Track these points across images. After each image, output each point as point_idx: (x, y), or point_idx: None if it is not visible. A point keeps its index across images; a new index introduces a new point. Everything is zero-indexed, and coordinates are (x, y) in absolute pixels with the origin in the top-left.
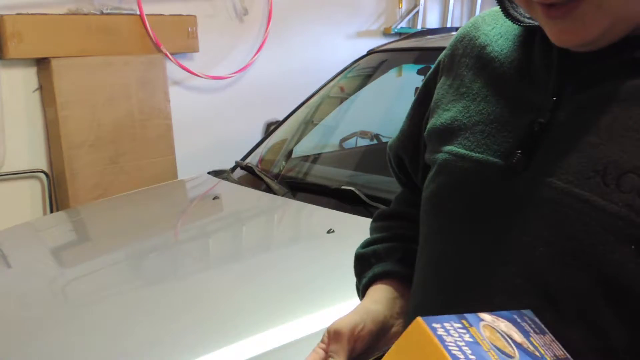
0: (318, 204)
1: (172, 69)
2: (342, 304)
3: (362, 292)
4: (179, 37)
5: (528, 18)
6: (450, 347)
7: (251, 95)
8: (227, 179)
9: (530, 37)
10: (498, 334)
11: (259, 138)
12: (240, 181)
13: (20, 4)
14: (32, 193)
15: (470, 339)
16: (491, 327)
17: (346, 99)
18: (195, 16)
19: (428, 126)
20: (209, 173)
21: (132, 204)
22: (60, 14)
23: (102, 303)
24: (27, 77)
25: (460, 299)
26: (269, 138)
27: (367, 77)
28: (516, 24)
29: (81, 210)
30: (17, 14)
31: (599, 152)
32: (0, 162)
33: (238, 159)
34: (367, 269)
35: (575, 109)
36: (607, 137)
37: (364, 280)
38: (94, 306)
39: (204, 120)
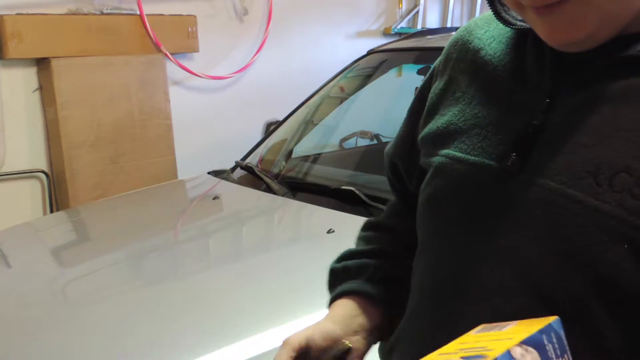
0: (318, 204)
1: (172, 69)
2: None
3: (328, 307)
4: (179, 37)
5: (520, 20)
6: None
7: (251, 95)
8: (227, 179)
9: (523, 39)
10: None
11: (259, 138)
12: (240, 181)
13: (20, 4)
14: (32, 193)
15: None
16: None
17: (346, 99)
18: (195, 16)
19: (424, 131)
20: (209, 173)
21: (132, 204)
22: (60, 14)
23: (102, 303)
24: (27, 77)
25: (457, 302)
26: (269, 138)
27: (367, 77)
28: (508, 27)
29: (81, 210)
30: (17, 14)
31: (591, 153)
32: (0, 162)
33: (238, 159)
34: (337, 284)
35: (568, 110)
36: (598, 137)
37: (331, 296)
38: (94, 306)
39: (204, 120)
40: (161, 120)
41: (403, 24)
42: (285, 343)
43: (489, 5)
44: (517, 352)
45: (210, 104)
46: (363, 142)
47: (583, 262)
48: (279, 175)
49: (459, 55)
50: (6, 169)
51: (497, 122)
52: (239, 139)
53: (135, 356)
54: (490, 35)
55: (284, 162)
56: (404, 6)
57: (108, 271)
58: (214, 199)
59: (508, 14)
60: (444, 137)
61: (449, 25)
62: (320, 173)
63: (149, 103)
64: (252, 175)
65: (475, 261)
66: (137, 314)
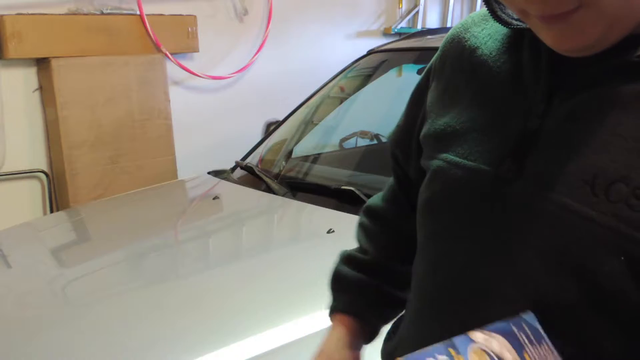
0: (318, 204)
1: (172, 69)
2: None
3: (329, 314)
4: (179, 37)
5: (516, 20)
6: None
7: (251, 95)
8: (227, 179)
9: (520, 39)
10: (487, 357)
11: (259, 138)
12: (240, 181)
13: (20, 4)
14: (32, 193)
15: None
16: (481, 349)
17: (346, 99)
18: (195, 16)
19: (423, 131)
20: (209, 173)
21: (132, 204)
22: (60, 14)
23: (102, 303)
24: (27, 77)
25: (453, 309)
26: (269, 138)
27: (367, 77)
28: (505, 26)
29: (81, 210)
30: (17, 14)
31: (587, 161)
32: (0, 162)
33: (238, 159)
34: (337, 292)
35: (564, 115)
36: (595, 145)
37: (331, 305)
38: (94, 306)
39: (204, 120)
40: (161, 120)
41: (403, 24)
42: None
43: (485, 4)
44: (479, 336)
45: (210, 104)
46: (363, 142)
47: (579, 272)
48: (279, 175)
49: (456, 53)
50: (6, 169)
51: (494, 125)
52: (239, 139)
53: (135, 356)
54: (487, 33)
55: (284, 162)
56: (404, 6)
57: (108, 271)
58: (214, 199)
59: (504, 13)
60: (441, 139)
61: (449, 25)
62: (320, 173)
63: (149, 103)
64: (252, 175)
65: (472, 267)
66: (137, 314)
